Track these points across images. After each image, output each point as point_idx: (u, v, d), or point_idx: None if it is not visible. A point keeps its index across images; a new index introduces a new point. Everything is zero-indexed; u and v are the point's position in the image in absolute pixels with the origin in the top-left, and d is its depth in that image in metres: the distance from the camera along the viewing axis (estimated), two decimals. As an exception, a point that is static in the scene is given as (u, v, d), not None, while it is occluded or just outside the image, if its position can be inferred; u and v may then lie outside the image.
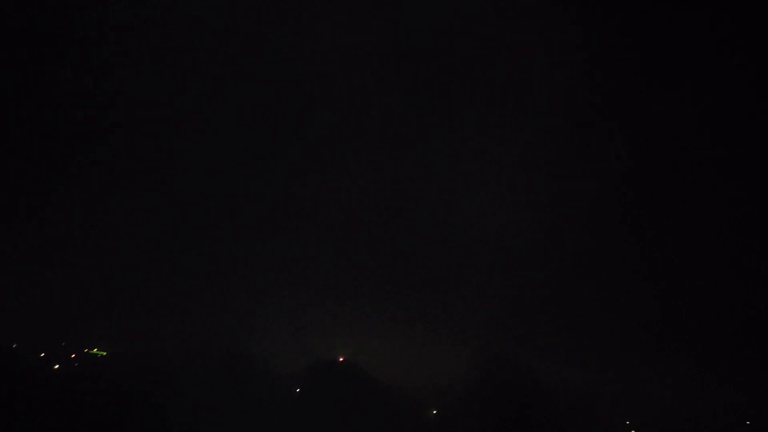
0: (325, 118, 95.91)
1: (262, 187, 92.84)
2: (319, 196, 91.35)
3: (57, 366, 75.62)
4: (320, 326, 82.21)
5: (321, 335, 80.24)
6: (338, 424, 64.98)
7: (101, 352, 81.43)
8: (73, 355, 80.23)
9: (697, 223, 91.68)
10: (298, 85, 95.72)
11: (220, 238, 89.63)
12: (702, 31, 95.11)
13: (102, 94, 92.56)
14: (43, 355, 78.11)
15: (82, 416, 59.97)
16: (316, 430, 63.65)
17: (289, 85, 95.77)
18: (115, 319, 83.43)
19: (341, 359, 74.06)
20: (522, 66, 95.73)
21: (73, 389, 65.80)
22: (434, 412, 73.80)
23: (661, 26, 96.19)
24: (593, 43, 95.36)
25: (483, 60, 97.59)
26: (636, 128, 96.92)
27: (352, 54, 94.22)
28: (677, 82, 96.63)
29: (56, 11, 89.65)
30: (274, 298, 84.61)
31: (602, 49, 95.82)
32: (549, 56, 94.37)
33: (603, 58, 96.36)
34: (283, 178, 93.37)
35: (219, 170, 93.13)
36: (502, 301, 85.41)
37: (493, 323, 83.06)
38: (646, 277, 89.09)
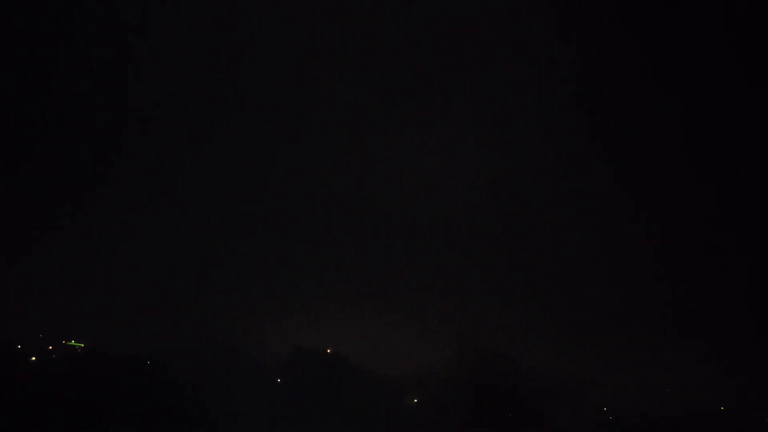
0: (307, 116, 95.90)
1: (244, 180, 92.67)
2: (299, 190, 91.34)
3: (34, 358, 74.67)
4: (302, 316, 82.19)
5: (302, 326, 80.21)
6: (319, 412, 64.99)
7: (79, 344, 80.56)
8: (50, 347, 79.30)
9: (672, 207, 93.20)
10: (279, 84, 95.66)
11: (202, 230, 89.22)
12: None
13: (87, 93, 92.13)
14: (19, 347, 77.09)
15: (60, 407, 59.28)
16: (298, 418, 63.58)
17: (271, 85, 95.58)
18: (93, 310, 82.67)
19: (327, 351, 74.06)
20: (488, 59, 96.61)
21: (50, 381, 64.93)
22: (414, 400, 74.20)
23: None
24: (556, 34, 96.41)
25: (452, 54, 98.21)
26: (603, 114, 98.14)
27: (329, 52, 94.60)
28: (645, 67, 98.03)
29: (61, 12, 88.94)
30: (256, 289, 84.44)
31: (567, 39, 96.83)
32: (516, 49, 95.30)
33: (568, 49, 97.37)
34: (265, 172, 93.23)
35: (201, 165, 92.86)
36: (481, 290, 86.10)
37: (472, 311, 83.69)
38: (623, 266, 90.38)
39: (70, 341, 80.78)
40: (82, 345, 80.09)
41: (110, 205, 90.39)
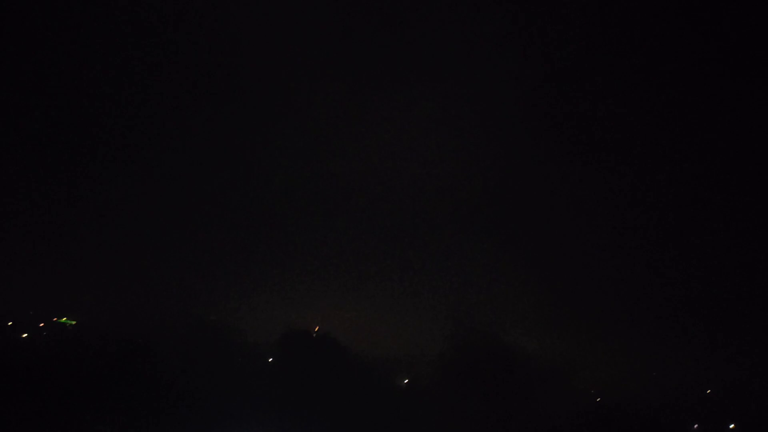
0: (295, 102, 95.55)
1: (234, 161, 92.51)
2: (289, 171, 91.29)
3: (26, 335, 74.83)
4: (293, 297, 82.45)
5: (294, 306, 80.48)
6: (310, 393, 65.37)
7: (70, 322, 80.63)
8: (41, 324, 79.35)
9: (665, 193, 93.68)
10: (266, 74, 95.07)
11: (194, 210, 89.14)
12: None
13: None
14: (10, 323, 77.18)
15: (51, 384, 59.43)
16: (289, 399, 63.94)
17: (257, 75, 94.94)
18: (84, 287, 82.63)
19: (315, 330, 74.47)
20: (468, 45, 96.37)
21: (41, 358, 65.10)
22: (405, 381, 74.80)
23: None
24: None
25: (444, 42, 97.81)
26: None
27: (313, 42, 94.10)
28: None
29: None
30: (247, 269, 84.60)
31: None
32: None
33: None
34: (256, 154, 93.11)
35: (192, 145, 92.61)
36: (474, 271, 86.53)
37: (463, 293, 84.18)
38: (615, 248, 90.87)
39: (62, 318, 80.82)
40: (74, 323, 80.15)
41: (102, 182, 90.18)
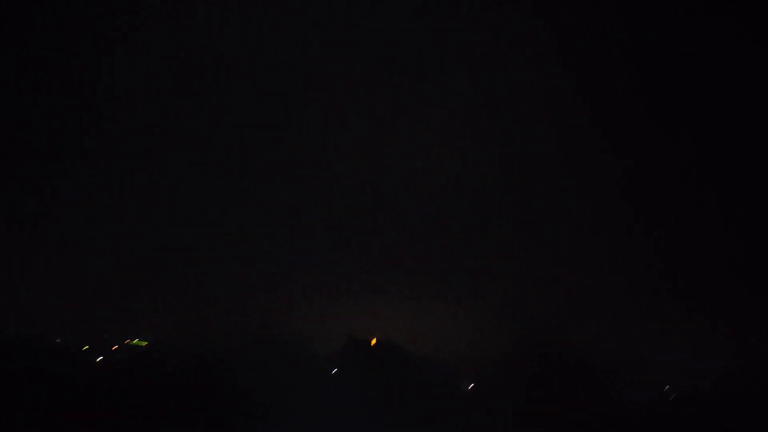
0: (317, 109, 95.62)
1: (283, 169, 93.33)
2: (342, 180, 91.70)
3: (100, 358, 77.36)
4: (354, 307, 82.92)
5: (354, 315, 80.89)
6: (377, 400, 65.73)
7: (142, 343, 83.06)
8: (114, 347, 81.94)
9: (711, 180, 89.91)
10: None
11: (252, 224, 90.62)
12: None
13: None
14: (86, 348, 79.86)
15: (129, 405, 61.42)
16: (355, 408, 64.47)
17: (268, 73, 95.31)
18: (152, 309, 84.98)
19: (374, 341, 74.73)
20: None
21: (117, 380, 67.30)
22: (471, 385, 74.27)
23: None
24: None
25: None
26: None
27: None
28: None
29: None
30: (307, 281, 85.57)
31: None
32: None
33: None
34: (304, 160, 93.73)
35: (241, 156, 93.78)
36: (532, 267, 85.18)
37: (523, 290, 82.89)
38: (686, 232, 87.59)
39: (134, 340, 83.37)
40: (146, 343, 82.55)
41: (163, 203, 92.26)
